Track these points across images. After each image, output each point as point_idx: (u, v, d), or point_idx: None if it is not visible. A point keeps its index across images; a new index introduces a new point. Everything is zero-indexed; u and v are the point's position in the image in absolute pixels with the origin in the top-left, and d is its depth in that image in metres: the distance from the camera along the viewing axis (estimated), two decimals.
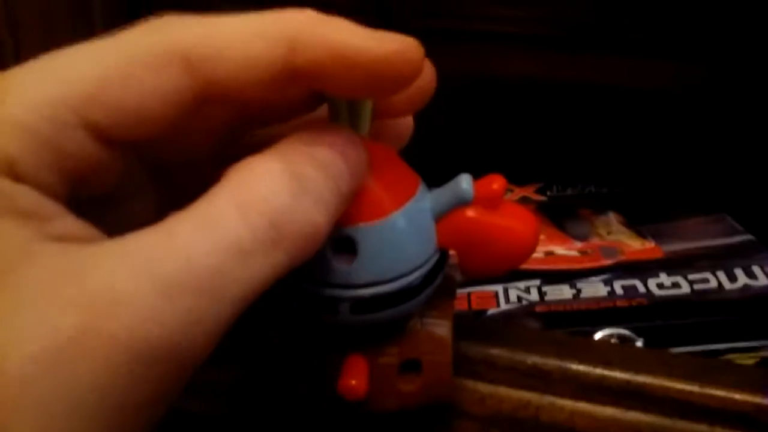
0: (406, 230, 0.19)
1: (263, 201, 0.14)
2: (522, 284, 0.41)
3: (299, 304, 0.20)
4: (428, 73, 0.18)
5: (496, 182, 0.19)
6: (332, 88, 0.17)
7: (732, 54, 0.45)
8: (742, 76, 0.45)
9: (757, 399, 0.21)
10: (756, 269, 0.40)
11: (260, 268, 0.14)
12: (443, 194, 0.20)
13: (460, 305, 0.40)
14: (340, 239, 0.18)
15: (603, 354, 0.23)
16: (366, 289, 0.19)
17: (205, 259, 0.13)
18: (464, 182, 0.19)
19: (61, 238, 0.13)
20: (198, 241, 0.13)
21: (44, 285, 0.12)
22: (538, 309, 0.39)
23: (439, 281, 0.20)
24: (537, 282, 0.41)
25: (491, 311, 0.39)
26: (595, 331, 0.37)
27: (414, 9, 0.48)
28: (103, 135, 0.15)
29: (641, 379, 0.22)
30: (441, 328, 0.21)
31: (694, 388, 0.22)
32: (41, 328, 0.12)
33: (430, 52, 0.17)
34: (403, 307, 0.19)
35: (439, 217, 0.20)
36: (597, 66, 0.47)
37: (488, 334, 0.24)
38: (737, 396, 0.22)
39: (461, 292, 0.41)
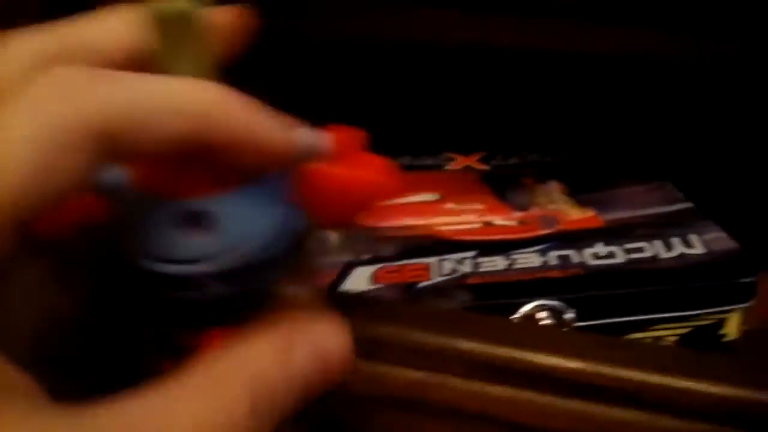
0: (261, 198, 0.18)
1: (277, 399, 0.17)
2: (457, 256, 0.40)
3: (144, 284, 0.18)
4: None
5: (343, 133, 0.19)
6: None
7: (678, 19, 0.44)
8: (688, 41, 0.44)
9: (644, 377, 0.21)
10: (693, 238, 0.39)
11: None
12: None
13: (393, 278, 0.39)
14: (190, 212, 0.17)
15: (492, 331, 0.23)
16: (222, 262, 0.18)
17: None
18: (311, 137, 0.19)
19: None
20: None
21: None
22: (470, 281, 0.38)
23: (301, 248, 0.20)
24: (473, 253, 0.40)
25: (422, 284, 0.38)
26: (527, 303, 0.36)
27: None
28: (22, 227, 0.15)
29: (529, 357, 0.22)
30: (304, 295, 0.20)
31: (586, 366, 0.22)
32: None
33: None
34: (264, 277, 0.19)
35: (290, 175, 0.19)
36: (539, 32, 0.46)
37: (379, 312, 0.24)
38: (624, 373, 0.21)
39: (395, 264, 0.40)
